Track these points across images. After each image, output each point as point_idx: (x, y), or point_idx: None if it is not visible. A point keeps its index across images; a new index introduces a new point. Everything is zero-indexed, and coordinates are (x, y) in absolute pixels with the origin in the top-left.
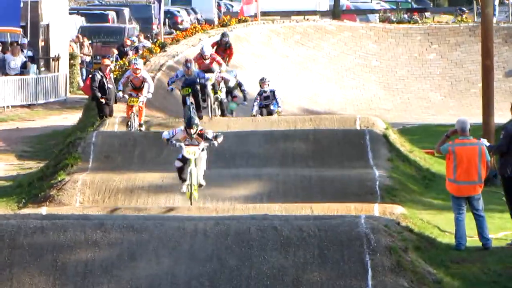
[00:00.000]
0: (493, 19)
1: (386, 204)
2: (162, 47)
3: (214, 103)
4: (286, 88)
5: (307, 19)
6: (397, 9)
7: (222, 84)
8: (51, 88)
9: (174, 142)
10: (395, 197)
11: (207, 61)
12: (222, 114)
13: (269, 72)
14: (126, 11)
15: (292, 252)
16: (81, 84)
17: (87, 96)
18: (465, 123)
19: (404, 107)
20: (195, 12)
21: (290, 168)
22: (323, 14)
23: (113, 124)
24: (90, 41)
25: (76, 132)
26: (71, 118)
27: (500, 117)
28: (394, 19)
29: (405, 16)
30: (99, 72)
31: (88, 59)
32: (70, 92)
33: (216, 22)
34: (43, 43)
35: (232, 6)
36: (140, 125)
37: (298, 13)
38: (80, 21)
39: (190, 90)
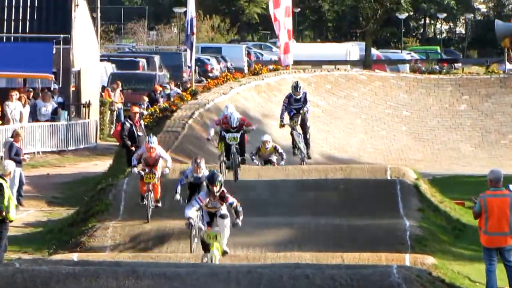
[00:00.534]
0: None
1: (417, 254)
2: (193, 94)
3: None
4: (316, 137)
5: (338, 69)
6: (428, 59)
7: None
8: (81, 135)
9: (194, 224)
10: (425, 247)
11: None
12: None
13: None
14: (157, 58)
15: None
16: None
17: (117, 143)
18: (499, 173)
19: (434, 158)
20: (225, 61)
21: (321, 217)
22: (353, 63)
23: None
24: (121, 88)
25: (107, 179)
26: (102, 164)
27: None
28: (425, 69)
29: (436, 66)
30: (129, 120)
31: (120, 106)
32: (100, 138)
33: (246, 70)
34: (74, 89)
35: (262, 55)
36: (157, 201)
37: (329, 62)
38: (111, 67)
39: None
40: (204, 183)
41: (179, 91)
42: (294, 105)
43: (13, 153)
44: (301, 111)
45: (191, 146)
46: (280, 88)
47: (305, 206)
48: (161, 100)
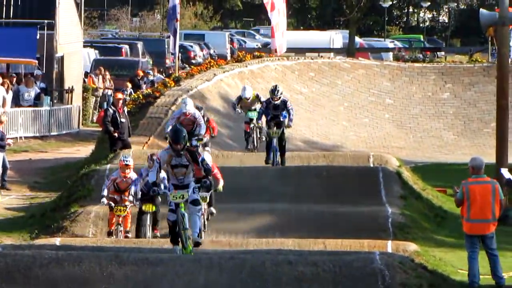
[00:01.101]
0: (509, 59)
1: (399, 241)
2: (177, 81)
3: None
4: (299, 124)
5: (322, 56)
6: (411, 48)
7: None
8: (64, 120)
9: (157, 190)
10: (407, 234)
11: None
12: None
13: None
14: (140, 45)
15: (307, 287)
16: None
17: (99, 129)
18: (480, 161)
19: (417, 146)
20: (208, 48)
21: (303, 204)
22: (337, 51)
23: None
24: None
25: (89, 165)
26: (84, 150)
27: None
28: (408, 58)
29: (419, 55)
30: (112, 106)
31: (110, 92)
32: (83, 124)
33: (229, 57)
34: (56, 75)
35: (245, 42)
36: (127, 232)
37: (313, 50)
38: (94, 54)
39: (153, 208)
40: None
41: (162, 77)
42: (273, 112)
43: (4, 138)
44: (284, 124)
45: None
46: (263, 76)
47: (287, 193)
48: (144, 86)
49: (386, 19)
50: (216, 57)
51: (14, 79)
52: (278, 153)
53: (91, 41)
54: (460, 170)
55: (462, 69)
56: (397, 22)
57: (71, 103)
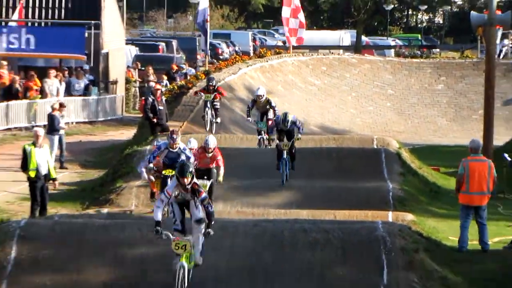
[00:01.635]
0: (495, 56)
1: (398, 212)
2: (206, 74)
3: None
4: (313, 111)
5: (332, 53)
6: (410, 45)
7: None
8: (109, 108)
9: (161, 231)
10: (405, 206)
11: (209, 155)
12: None
13: (298, 97)
14: (174, 43)
15: (319, 251)
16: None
17: (140, 115)
18: (478, 143)
19: (415, 130)
20: (234, 45)
21: (316, 180)
22: (346, 48)
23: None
24: (143, 68)
25: (131, 146)
26: (127, 133)
27: (497, 140)
28: (407, 54)
29: (417, 52)
30: (151, 95)
31: (152, 84)
32: (125, 111)
33: (252, 54)
34: (102, 68)
35: (266, 40)
36: None
37: (325, 47)
38: (135, 50)
39: (172, 173)
40: (182, 157)
41: (193, 71)
42: (283, 128)
43: (56, 123)
44: (293, 137)
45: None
46: (282, 69)
47: (302, 171)
48: (178, 78)
49: (389, 20)
50: (241, 53)
51: (66, 72)
52: (288, 170)
53: (132, 39)
54: (452, 151)
55: (455, 64)
56: (398, 23)
57: (116, 93)
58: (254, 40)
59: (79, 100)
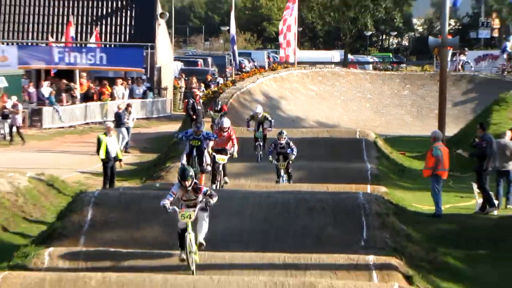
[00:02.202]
0: (447, 69)
1: (375, 185)
2: (233, 82)
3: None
4: (311, 111)
5: (326, 67)
6: (383, 61)
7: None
8: (161, 108)
9: (168, 207)
10: (380, 181)
11: (225, 134)
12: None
13: (301, 100)
14: (209, 59)
15: (316, 214)
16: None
17: (184, 113)
18: (440, 133)
19: (387, 125)
20: (253, 61)
21: (313, 162)
22: (336, 64)
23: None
24: (186, 78)
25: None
26: (174, 127)
27: (448, 132)
28: (382, 68)
29: (389, 66)
30: (192, 98)
31: (196, 91)
32: (173, 110)
33: (267, 68)
34: (156, 78)
35: (277, 58)
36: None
37: (321, 63)
38: (180, 65)
39: (199, 143)
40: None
41: (222, 81)
42: (280, 151)
43: (122, 119)
44: (288, 159)
45: (231, 115)
46: (289, 79)
47: (303, 155)
48: (212, 86)
49: (368, 43)
50: (259, 67)
51: (130, 81)
52: (285, 179)
53: (178, 57)
54: (415, 141)
55: (417, 75)
56: (375, 45)
57: (166, 97)
58: (268, 57)
59: (139, 102)
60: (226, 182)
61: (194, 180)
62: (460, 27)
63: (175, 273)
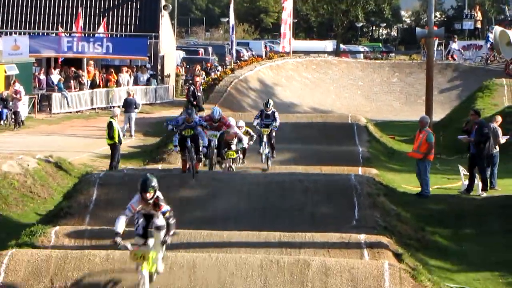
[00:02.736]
0: (433, 58)
1: (366, 167)
2: (232, 70)
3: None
4: (306, 97)
5: (320, 56)
6: (373, 51)
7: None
8: (164, 94)
9: (119, 243)
10: (371, 163)
11: (216, 124)
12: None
13: (296, 87)
14: (210, 48)
15: (310, 195)
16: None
17: (185, 99)
18: (427, 119)
19: (377, 110)
20: (251, 50)
21: (308, 145)
22: (329, 53)
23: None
24: (188, 66)
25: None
26: (176, 112)
27: (434, 118)
28: (372, 57)
29: (379, 55)
30: (192, 85)
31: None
32: (175, 96)
33: (264, 56)
34: (160, 67)
35: (274, 47)
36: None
37: (314, 52)
38: (182, 54)
39: (192, 132)
40: (198, 128)
41: (221, 69)
42: (265, 121)
43: (133, 105)
44: (271, 127)
45: (230, 102)
46: (284, 67)
47: (299, 138)
48: (212, 74)
49: (359, 33)
50: (256, 56)
51: (134, 68)
52: (268, 148)
53: (180, 46)
54: (403, 125)
55: (405, 64)
56: (365, 35)
57: (168, 84)
58: (265, 47)
59: (143, 89)
60: (243, 163)
61: (157, 194)
62: (445, 19)
63: (175, 251)
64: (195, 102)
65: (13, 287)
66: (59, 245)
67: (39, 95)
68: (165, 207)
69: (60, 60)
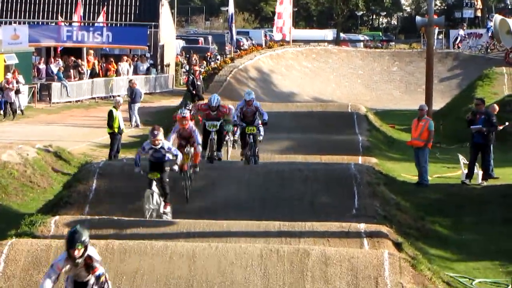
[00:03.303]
0: (433, 47)
1: (366, 156)
2: (232, 59)
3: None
4: (306, 86)
5: (319, 45)
6: (374, 39)
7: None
8: (163, 83)
9: None
10: (370, 152)
11: (214, 113)
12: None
13: (295, 76)
14: (210, 38)
15: (310, 184)
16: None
17: (185, 88)
18: (426, 107)
19: (377, 99)
20: (251, 39)
21: (308, 134)
22: (329, 42)
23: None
24: (188, 55)
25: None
26: (176, 101)
27: (434, 106)
28: (372, 46)
29: (379, 44)
30: (192, 74)
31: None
32: (175, 85)
33: (263, 45)
34: (160, 55)
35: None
36: (195, 166)
37: (314, 41)
38: (182, 43)
39: (158, 176)
40: (168, 156)
41: (221, 58)
42: (248, 117)
43: (137, 94)
44: (254, 129)
45: (229, 91)
46: (284, 56)
47: (299, 127)
48: (212, 63)
49: (359, 22)
50: (256, 45)
51: (134, 58)
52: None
53: (180, 35)
54: (403, 114)
55: (405, 53)
56: (365, 24)
57: (168, 73)
58: (265, 36)
59: (143, 78)
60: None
61: (88, 252)
62: (445, 7)
63: (175, 240)
64: (194, 92)
65: (13, 276)
66: (58, 235)
67: (39, 85)
68: (100, 270)
69: (59, 50)
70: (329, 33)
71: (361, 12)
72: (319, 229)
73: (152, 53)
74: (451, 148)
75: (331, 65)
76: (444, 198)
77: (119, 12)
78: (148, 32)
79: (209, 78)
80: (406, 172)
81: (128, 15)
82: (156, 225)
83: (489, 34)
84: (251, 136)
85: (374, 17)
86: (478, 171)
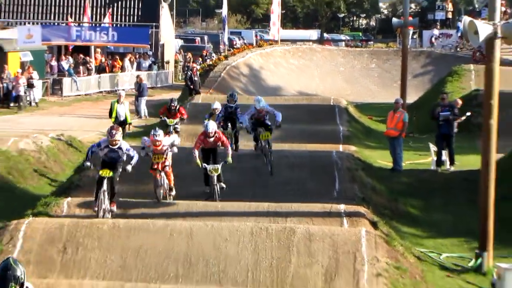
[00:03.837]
0: (408, 46)
1: (346, 145)
2: (226, 57)
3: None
4: (292, 81)
5: (305, 44)
6: (354, 39)
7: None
8: (164, 79)
9: None
10: (350, 141)
11: (212, 139)
12: None
13: (283, 72)
14: (206, 37)
15: (296, 170)
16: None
17: (183, 83)
18: (401, 100)
19: (357, 93)
20: (243, 39)
21: (294, 125)
22: (314, 41)
23: (198, 99)
24: (185, 53)
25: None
26: (175, 95)
27: (408, 100)
28: (353, 45)
29: (359, 43)
30: (189, 71)
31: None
32: (174, 81)
33: (254, 44)
34: (161, 55)
35: (263, 36)
36: (170, 188)
37: (300, 40)
38: (180, 42)
39: (110, 174)
40: (123, 157)
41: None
42: (258, 119)
43: (144, 88)
44: (268, 134)
45: (223, 86)
46: (273, 54)
47: (286, 118)
48: (207, 60)
49: (341, 23)
50: (247, 44)
51: (137, 55)
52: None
53: (179, 35)
54: (380, 107)
55: (383, 51)
56: (347, 25)
57: (168, 69)
58: (256, 36)
59: (145, 74)
60: (222, 188)
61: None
62: (419, 10)
63: (174, 220)
64: (191, 86)
65: (29, 251)
66: (70, 215)
67: (51, 80)
68: None
69: (70, 48)
70: (313, 33)
71: (343, 14)
72: (303, 209)
73: (153, 51)
74: (423, 138)
75: (316, 62)
76: (416, 182)
77: (123, 13)
78: (150, 32)
79: (205, 74)
80: (382, 159)
81: (131, 16)
82: (157, 206)
83: (459, 34)
84: (267, 142)
85: (354, 18)
86: (446, 159)
